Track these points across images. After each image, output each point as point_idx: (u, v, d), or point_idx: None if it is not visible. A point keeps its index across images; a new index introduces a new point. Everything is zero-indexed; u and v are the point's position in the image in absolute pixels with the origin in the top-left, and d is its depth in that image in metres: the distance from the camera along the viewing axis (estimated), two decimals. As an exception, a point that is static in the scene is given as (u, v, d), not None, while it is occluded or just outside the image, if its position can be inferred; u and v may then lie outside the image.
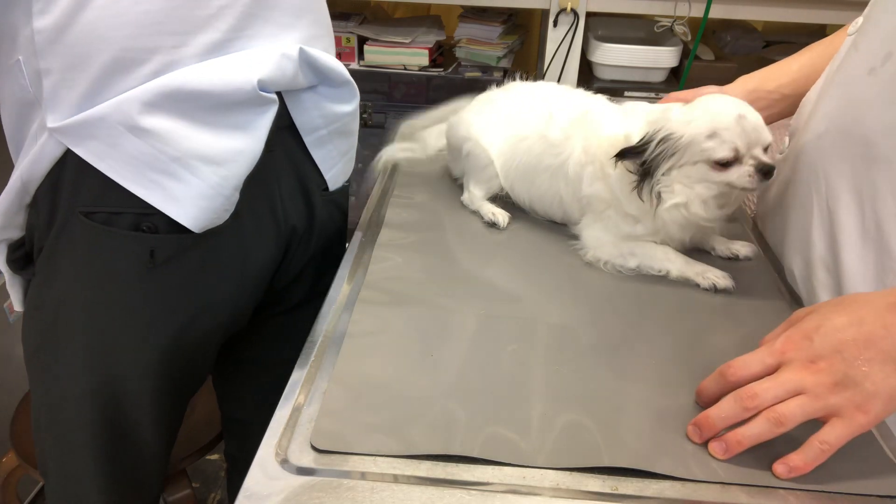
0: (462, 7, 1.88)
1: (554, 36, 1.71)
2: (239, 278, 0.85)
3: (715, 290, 0.80)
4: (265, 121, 0.78)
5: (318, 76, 0.84)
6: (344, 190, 0.97)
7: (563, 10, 1.68)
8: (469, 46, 1.83)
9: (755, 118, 0.75)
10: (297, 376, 0.66)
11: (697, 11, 1.66)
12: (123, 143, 0.71)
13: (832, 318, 0.55)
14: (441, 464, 0.57)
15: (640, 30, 1.88)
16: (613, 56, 1.75)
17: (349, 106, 0.89)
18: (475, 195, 0.97)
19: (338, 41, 1.83)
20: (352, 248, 0.89)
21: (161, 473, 0.98)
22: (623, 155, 0.79)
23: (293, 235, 0.89)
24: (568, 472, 0.57)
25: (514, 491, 0.55)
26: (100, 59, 0.69)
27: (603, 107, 0.90)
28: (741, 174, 0.76)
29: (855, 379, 0.52)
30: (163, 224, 0.75)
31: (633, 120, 0.82)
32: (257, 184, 0.81)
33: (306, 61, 0.81)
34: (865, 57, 0.69)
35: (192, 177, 0.74)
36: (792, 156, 0.82)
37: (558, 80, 1.76)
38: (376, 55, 1.83)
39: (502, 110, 0.97)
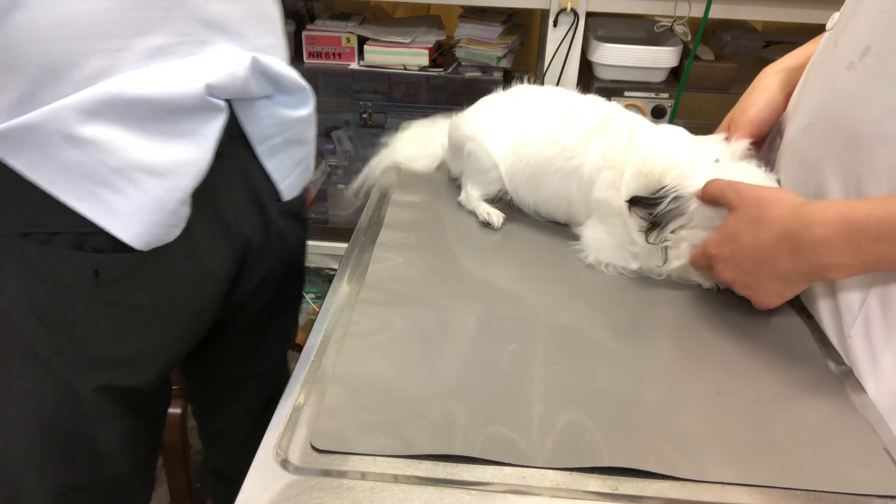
0: (462, 7, 1.88)
1: (554, 36, 1.71)
2: (192, 296, 0.82)
3: (717, 289, 0.80)
4: (213, 130, 0.74)
5: (272, 84, 0.81)
6: (301, 200, 0.93)
7: (563, 10, 1.67)
8: (469, 46, 1.83)
9: None
10: (297, 376, 0.66)
11: (697, 11, 1.66)
12: (60, 152, 0.67)
13: (742, 238, 0.71)
14: (441, 464, 0.57)
15: (640, 30, 1.88)
16: (613, 56, 1.75)
17: (304, 111, 0.86)
18: (472, 196, 0.97)
19: (338, 41, 1.83)
20: (352, 248, 0.89)
21: (146, 486, 0.96)
22: (635, 202, 0.79)
23: (248, 248, 0.86)
24: (568, 472, 0.57)
25: (514, 491, 0.55)
26: (32, 62, 0.65)
27: (639, 122, 0.88)
28: None
29: (751, 285, 0.73)
30: (107, 243, 0.71)
31: (672, 147, 0.82)
32: (208, 196, 0.77)
33: (260, 70, 0.78)
34: (844, 52, 0.70)
35: (134, 189, 0.69)
36: (780, 152, 0.83)
37: (558, 80, 1.76)
38: (376, 55, 1.82)
39: (509, 113, 0.97)
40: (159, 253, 0.74)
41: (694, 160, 0.79)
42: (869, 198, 0.66)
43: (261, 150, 0.84)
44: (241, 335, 0.98)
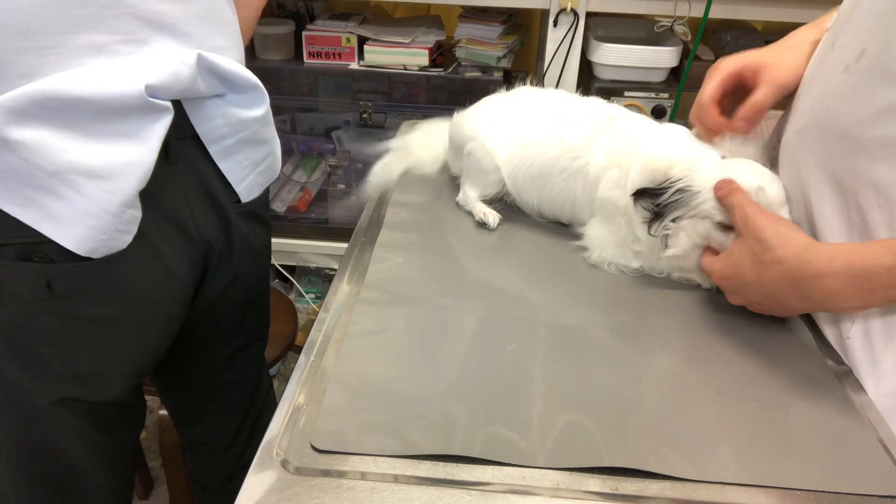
0: (462, 7, 1.88)
1: (554, 36, 1.71)
2: (153, 304, 0.79)
3: (717, 290, 0.80)
4: (157, 130, 0.70)
5: (222, 83, 0.78)
6: (263, 201, 0.91)
7: (563, 10, 1.67)
8: (469, 46, 1.83)
9: (774, 194, 0.75)
10: (298, 376, 0.66)
11: (697, 11, 1.66)
12: None
13: (746, 275, 0.70)
14: (441, 464, 0.57)
15: (640, 30, 1.88)
16: (613, 56, 1.75)
17: (258, 111, 0.83)
18: (469, 196, 0.97)
19: (338, 41, 1.83)
20: (352, 248, 0.89)
21: (126, 495, 0.94)
22: (640, 194, 0.80)
23: (210, 253, 0.84)
24: (568, 472, 0.57)
25: (514, 491, 0.55)
26: None
27: (642, 122, 0.89)
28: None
29: (762, 310, 0.73)
30: (56, 252, 0.68)
31: (675, 145, 0.82)
32: (162, 199, 0.75)
33: (207, 68, 0.75)
34: (841, 54, 0.70)
35: (73, 193, 0.66)
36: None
37: (558, 80, 1.76)
38: (376, 55, 1.82)
39: (511, 114, 0.97)
40: (113, 261, 0.71)
41: (699, 155, 0.80)
42: (872, 243, 0.65)
43: (214, 151, 0.80)
44: (215, 343, 0.96)
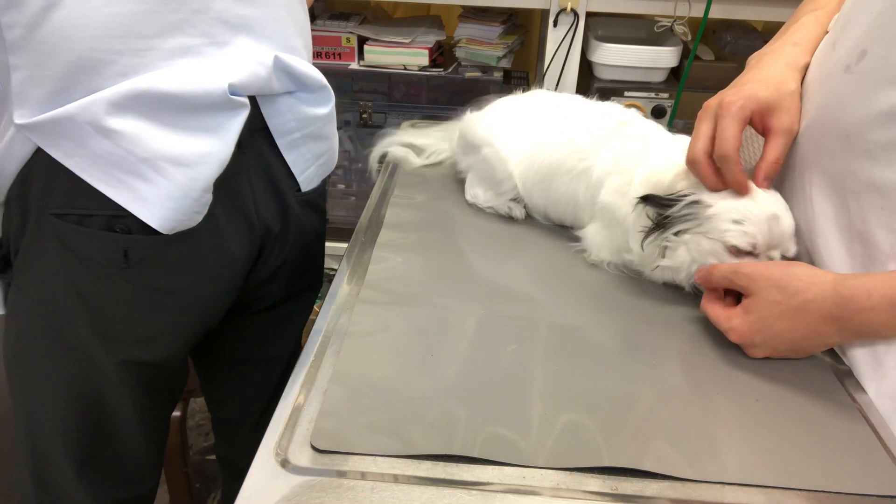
0: (462, 7, 1.88)
1: (554, 36, 1.71)
2: (214, 278, 0.86)
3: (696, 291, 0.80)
4: (235, 124, 0.78)
5: (294, 82, 0.85)
6: (320, 191, 0.98)
7: (563, 10, 1.68)
8: (469, 46, 1.83)
9: (787, 225, 0.74)
10: (297, 376, 0.66)
11: (697, 11, 1.66)
12: (91, 142, 0.71)
13: (773, 325, 0.67)
14: (441, 464, 0.57)
15: (640, 30, 1.88)
16: (613, 56, 1.75)
17: (324, 109, 0.90)
18: (479, 196, 0.98)
19: (338, 41, 1.83)
20: (352, 248, 0.89)
21: (155, 466, 0.99)
22: (648, 200, 0.77)
23: (268, 235, 0.90)
24: (568, 472, 0.57)
25: (514, 491, 0.55)
26: (67, 58, 0.69)
27: (654, 130, 0.88)
28: None
29: (788, 356, 0.70)
30: (136, 225, 0.76)
31: (682, 158, 0.78)
32: (230, 185, 0.81)
33: (282, 68, 0.82)
34: (842, 55, 0.70)
35: (161, 178, 0.74)
36: None
37: (558, 80, 1.76)
38: (376, 55, 1.83)
39: (525, 118, 0.97)
40: (183, 236, 0.78)
41: None
42: None
43: (282, 144, 0.87)
44: (258, 318, 1.01)
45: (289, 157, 0.89)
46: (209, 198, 0.78)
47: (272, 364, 1.09)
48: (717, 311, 0.72)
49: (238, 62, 0.78)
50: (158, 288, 0.81)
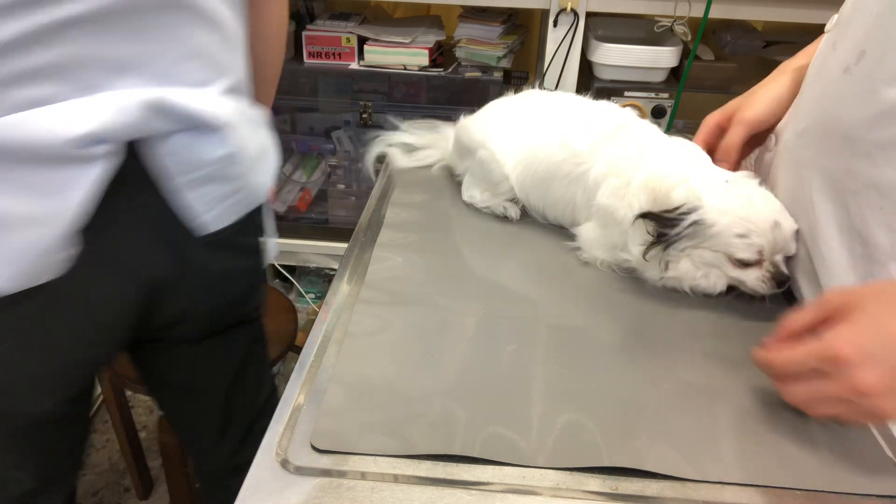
0: (462, 7, 1.88)
1: (554, 36, 1.71)
2: (83, 327, 0.79)
3: (704, 295, 0.80)
4: (86, 177, 0.69)
5: (179, 121, 0.74)
6: (238, 228, 0.87)
7: (563, 10, 1.67)
8: (469, 46, 1.83)
9: (789, 228, 0.75)
10: (298, 376, 0.66)
11: (697, 11, 1.66)
12: None
13: (889, 325, 0.54)
14: (441, 464, 0.57)
15: (640, 30, 1.88)
16: (613, 56, 1.75)
17: (218, 151, 0.78)
18: (476, 197, 0.98)
19: (338, 41, 1.83)
20: (352, 247, 0.89)
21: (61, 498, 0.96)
22: (647, 216, 0.78)
23: (155, 283, 0.82)
24: (568, 472, 0.57)
25: (514, 491, 0.55)
26: None
27: (652, 133, 0.88)
28: (756, 277, 0.77)
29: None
30: None
31: (680, 164, 0.80)
32: (101, 233, 0.73)
33: (160, 109, 0.72)
34: (841, 56, 0.70)
35: (3, 236, 0.67)
36: (777, 155, 0.83)
37: (558, 80, 1.76)
38: (376, 55, 1.82)
39: (521, 118, 0.97)
40: (40, 289, 0.71)
41: (703, 177, 0.78)
42: None
43: (172, 186, 0.78)
44: (187, 348, 0.97)
45: (186, 198, 0.79)
46: (65, 254, 0.71)
47: (205, 394, 1.05)
48: (810, 350, 0.58)
49: (102, 107, 0.68)
50: (21, 339, 0.75)
